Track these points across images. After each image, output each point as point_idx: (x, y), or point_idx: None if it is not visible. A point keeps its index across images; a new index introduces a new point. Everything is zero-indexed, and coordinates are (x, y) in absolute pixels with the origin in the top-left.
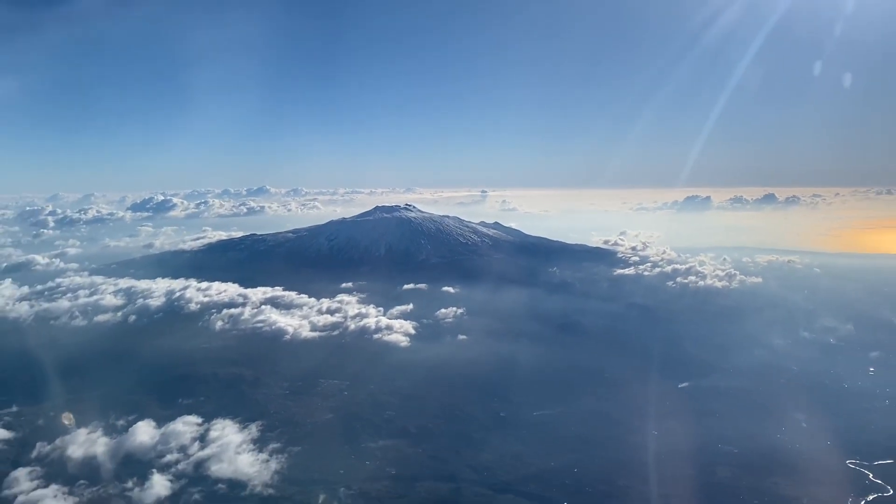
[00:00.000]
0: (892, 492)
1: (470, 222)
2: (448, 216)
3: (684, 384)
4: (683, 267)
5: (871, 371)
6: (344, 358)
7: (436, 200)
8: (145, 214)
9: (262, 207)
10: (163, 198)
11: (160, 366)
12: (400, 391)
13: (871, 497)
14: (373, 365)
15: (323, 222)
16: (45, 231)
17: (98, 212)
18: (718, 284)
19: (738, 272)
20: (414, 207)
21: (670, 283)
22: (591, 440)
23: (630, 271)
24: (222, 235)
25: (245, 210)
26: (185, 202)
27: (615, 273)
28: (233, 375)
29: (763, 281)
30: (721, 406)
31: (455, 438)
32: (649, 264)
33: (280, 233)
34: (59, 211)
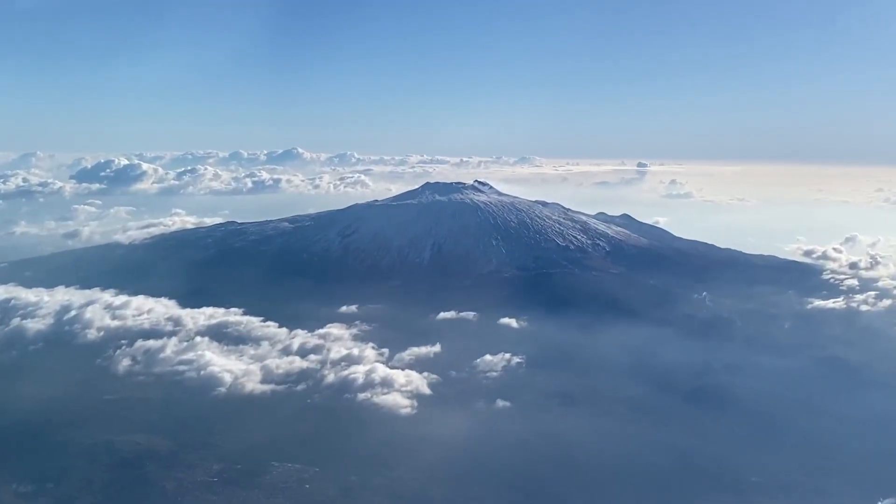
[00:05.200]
0: None
1: (578, 214)
2: (545, 202)
3: (889, 501)
4: None
5: None
6: (312, 429)
7: (564, 178)
8: (96, 186)
9: (278, 180)
10: (126, 162)
11: (14, 428)
12: (392, 488)
13: None
14: (355, 443)
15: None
16: None
17: (25, 181)
18: None
19: None
20: (488, 186)
21: None
22: None
23: (837, 303)
24: (191, 222)
25: (251, 184)
26: (162, 170)
27: (810, 305)
28: (136, 449)
29: None
30: None
31: None
32: (874, 293)
33: (272, 221)
34: None
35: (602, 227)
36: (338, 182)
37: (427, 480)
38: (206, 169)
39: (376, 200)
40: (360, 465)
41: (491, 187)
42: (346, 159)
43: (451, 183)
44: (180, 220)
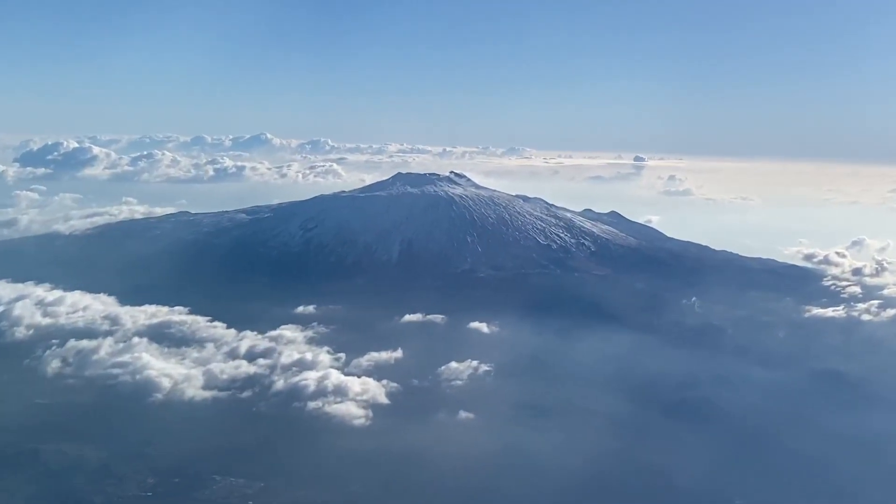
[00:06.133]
0: None
1: (563, 210)
2: (526, 197)
3: None
4: None
5: None
6: (258, 440)
7: (555, 171)
8: (42, 171)
9: (242, 168)
10: (76, 145)
11: None
12: None
13: None
14: (304, 455)
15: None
16: None
17: None
18: None
19: None
20: (465, 178)
21: None
22: None
23: (836, 311)
24: (140, 212)
25: (212, 171)
26: (116, 154)
27: (808, 313)
28: (63, 459)
29: None
30: None
31: None
32: (877, 301)
33: (228, 212)
34: None
35: (588, 225)
36: (307, 171)
37: (380, 497)
38: (163, 154)
39: (343, 192)
40: (308, 479)
41: (468, 179)
42: (318, 146)
43: (425, 174)
44: (129, 209)
